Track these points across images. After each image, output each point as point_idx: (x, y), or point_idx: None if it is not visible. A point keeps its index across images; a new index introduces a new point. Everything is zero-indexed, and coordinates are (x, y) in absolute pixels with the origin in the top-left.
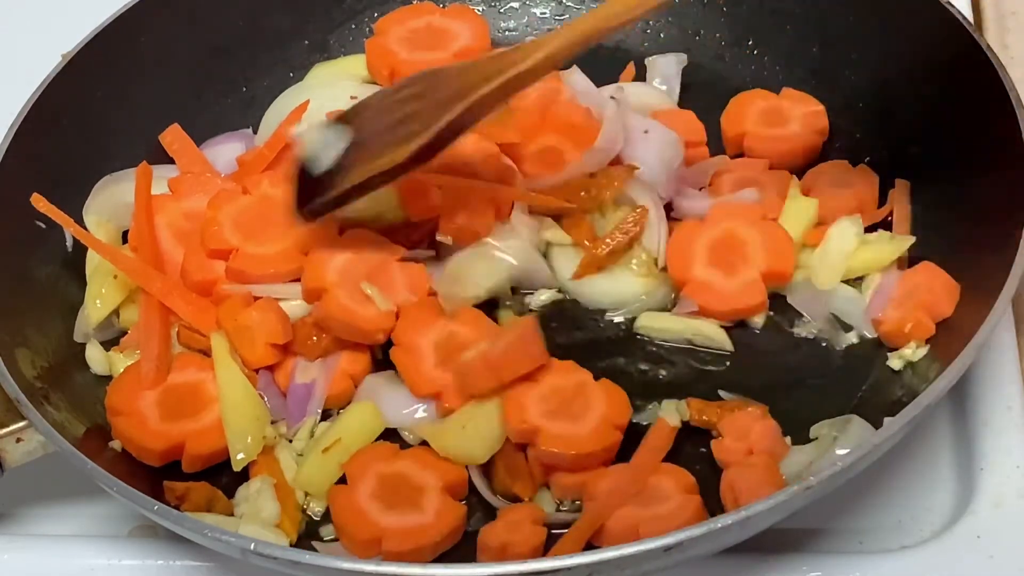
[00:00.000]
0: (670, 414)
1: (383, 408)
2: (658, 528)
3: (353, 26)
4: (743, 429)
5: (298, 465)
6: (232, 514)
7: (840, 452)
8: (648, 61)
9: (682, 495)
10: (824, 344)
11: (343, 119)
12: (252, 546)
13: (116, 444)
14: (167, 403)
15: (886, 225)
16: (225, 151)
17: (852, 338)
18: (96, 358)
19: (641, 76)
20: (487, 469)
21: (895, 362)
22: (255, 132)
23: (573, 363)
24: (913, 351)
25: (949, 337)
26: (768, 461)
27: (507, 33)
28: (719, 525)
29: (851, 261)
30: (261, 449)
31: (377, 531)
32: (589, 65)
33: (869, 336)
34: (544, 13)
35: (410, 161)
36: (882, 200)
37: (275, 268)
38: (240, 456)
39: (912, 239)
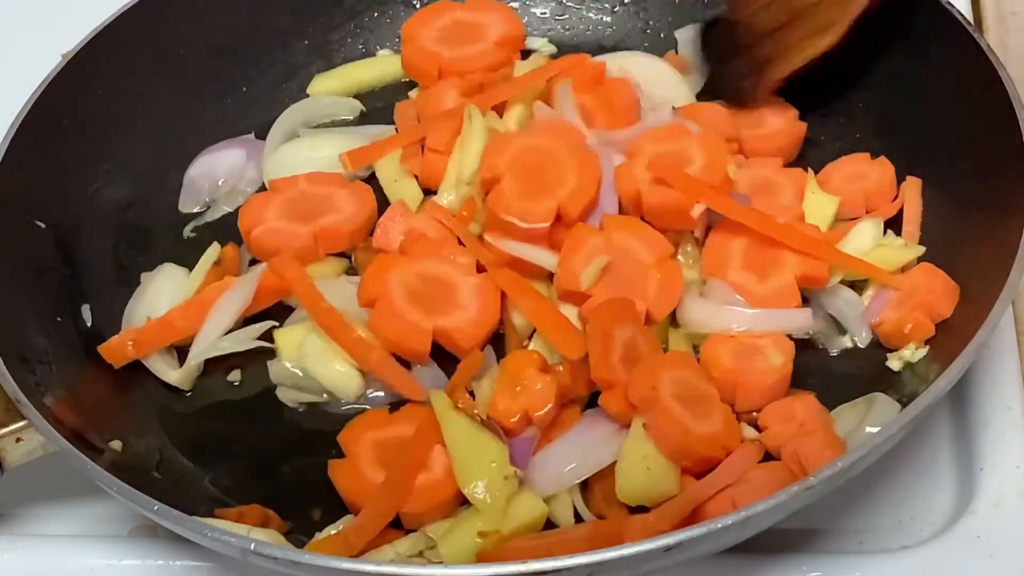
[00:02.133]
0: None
1: (536, 478)
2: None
3: (353, 26)
4: (787, 413)
5: (443, 532)
6: (285, 532)
7: (871, 430)
8: (677, 33)
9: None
10: (822, 345)
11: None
12: (252, 546)
13: (116, 444)
14: (384, 453)
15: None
16: (227, 158)
17: (847, 341)
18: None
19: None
20: (583, 486)
21: (894, 363)
22: (256, 135)
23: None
24: (912, 352)
25: (949, 338)
26: (825, 426)
27: None
28: (719, 525)
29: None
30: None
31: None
32: None
33: (865, 339)
34: (544, 13)
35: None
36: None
37: None
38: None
39: (922, 249)
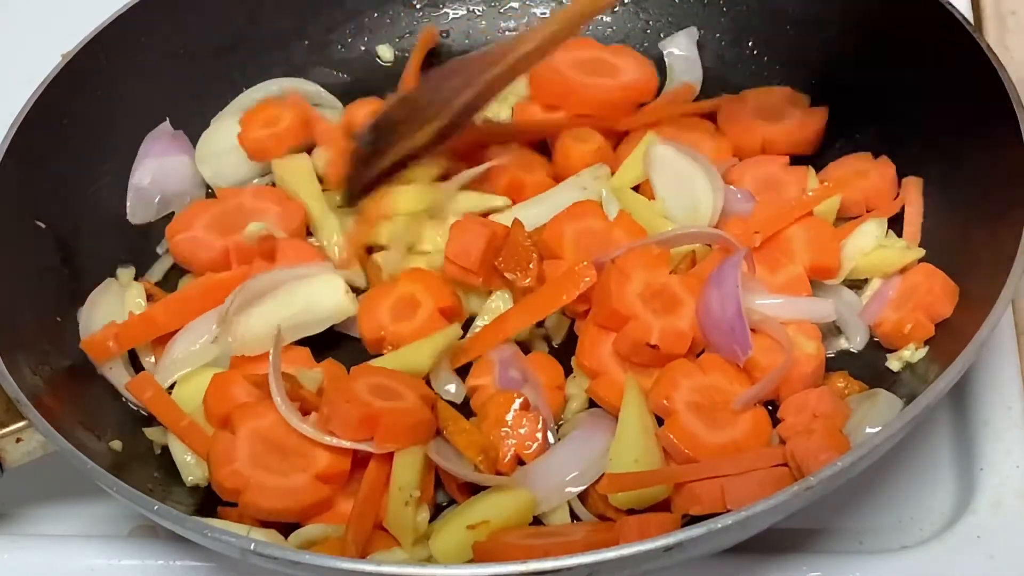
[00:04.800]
0: None
1: (538, 487)
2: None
3: (353, 26)
4: (800, 404)
5: (432, 531)
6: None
7: (871, 430)
8: (661, 45)
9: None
10: None
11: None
12: (252, 546)
13: (116, 444)
14: None
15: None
16: (177, 165)
17: (843, 342)
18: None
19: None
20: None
21: (894, 363)
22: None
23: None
24: (912, 352)
25: (948, 338)
26: (827, 425)
27: (507, 33)
28: (719, 525)
29: (859, 262)
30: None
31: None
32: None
33: (863, 339)
34: (544, 13)
35: (432, 141)
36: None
37: None
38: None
39: (921, 252)
